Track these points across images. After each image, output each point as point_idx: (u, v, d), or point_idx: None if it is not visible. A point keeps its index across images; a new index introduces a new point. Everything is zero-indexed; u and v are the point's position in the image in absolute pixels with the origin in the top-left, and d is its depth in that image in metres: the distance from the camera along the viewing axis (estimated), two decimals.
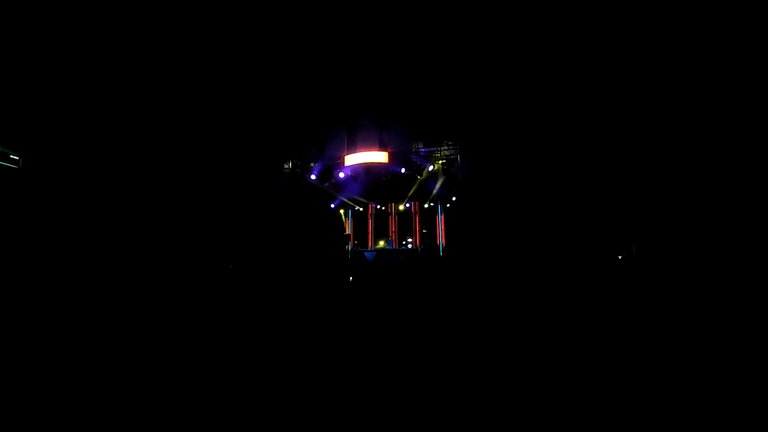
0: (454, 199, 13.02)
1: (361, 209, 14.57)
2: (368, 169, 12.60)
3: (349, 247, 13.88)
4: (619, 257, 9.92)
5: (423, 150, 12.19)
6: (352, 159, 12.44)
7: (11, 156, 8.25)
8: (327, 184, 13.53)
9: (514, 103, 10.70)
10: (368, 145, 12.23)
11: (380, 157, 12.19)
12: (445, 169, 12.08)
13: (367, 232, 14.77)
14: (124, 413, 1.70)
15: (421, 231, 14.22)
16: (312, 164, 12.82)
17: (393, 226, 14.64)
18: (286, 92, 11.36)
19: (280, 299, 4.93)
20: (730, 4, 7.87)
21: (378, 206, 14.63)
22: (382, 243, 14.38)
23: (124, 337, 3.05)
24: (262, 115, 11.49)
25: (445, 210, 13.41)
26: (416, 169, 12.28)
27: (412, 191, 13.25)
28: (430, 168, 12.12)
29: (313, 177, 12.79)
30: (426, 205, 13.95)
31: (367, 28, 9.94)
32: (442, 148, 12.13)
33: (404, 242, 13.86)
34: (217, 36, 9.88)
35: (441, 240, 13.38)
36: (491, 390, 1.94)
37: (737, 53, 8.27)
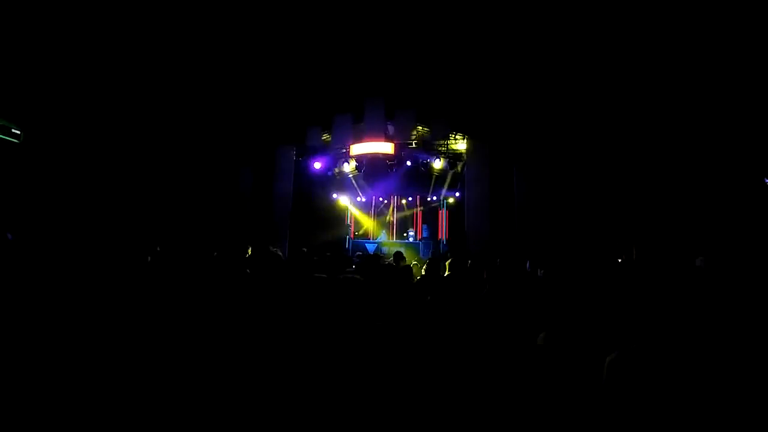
0: (457, 194, 13.02)
1: (364, 200, 14.55)
2: (373, 160, 12.50)
3: (350, 237, 13.89)
4: (619, 260, 9.98)
5: (431, 142, 12.12)
6: (357, 149, 12.32)
7: (13, 130, 8.08)
8: (330, 173, 13.44)
9: (520, 101, 10.63)
10: (374, 136, 12.10)
11: (386, 148, 12.08)
12: (451, 163, 12.03)
13: (370, 224, 14.77)
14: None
15: (422, 224, 14.26)
16: (316, 153, 12.69)
17: (394, 218, 14.65)
18: (291, 79, 11.15)
19: (282, 291, 4.91)
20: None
21: (381, 198, 14.61)
22: (382, 234, 14.40)
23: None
24: (265, 102, 11.30)
25: (447, 204, 13.43)
26: (422, 162, 12.22)
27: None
28: (437, 161, 12.06)
29: (316, 166, 12.67)
30: (428, 199, 13.95)
31: (376, 11, 9.66)
32: (449, 142, 12.07)
33: (405, 234, 13.90)
34: (214, 17, 9.55)
35: (443, 234, 13.43)
36: (485, 387, 1.95)
37: (737, 61, 8.23)
